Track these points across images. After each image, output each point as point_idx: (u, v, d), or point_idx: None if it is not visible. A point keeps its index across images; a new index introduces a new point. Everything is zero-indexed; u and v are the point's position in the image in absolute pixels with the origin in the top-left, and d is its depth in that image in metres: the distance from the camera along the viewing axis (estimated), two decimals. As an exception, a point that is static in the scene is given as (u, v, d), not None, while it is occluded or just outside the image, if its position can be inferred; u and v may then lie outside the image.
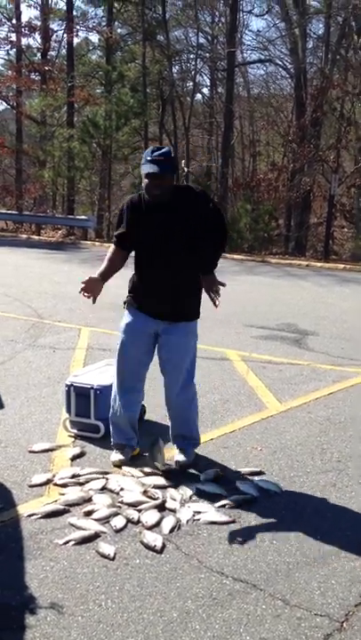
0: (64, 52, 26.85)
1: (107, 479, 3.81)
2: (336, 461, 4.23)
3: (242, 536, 3.29)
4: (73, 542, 3.18)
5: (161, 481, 3.80)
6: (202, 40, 26.10)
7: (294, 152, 19.66)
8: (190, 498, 3.65)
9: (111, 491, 3.70)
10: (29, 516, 3.40)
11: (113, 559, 3.05)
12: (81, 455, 4.19)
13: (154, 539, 3.19)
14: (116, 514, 3.43)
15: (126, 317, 4.04)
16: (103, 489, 3.71)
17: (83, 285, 3.98)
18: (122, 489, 3.69)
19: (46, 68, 25.35)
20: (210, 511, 3.50)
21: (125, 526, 3.33)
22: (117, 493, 3.66)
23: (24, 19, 26.16)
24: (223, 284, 3.91)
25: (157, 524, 3.35)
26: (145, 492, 3.65)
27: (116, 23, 27.17)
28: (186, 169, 23.36)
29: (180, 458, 4.06)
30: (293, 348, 7.21)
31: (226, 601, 2.78)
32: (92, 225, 21.43)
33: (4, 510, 3.46)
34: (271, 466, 4.12)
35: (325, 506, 3.63)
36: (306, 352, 7.07)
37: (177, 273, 3.88)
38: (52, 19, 26.77)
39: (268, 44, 23.94)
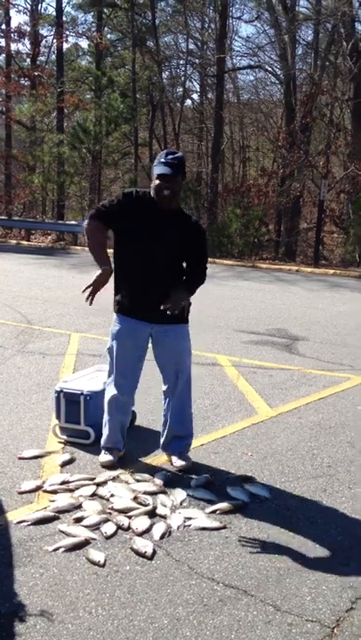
0: (54, 57, 26.91)
1: (97, 485, 3.79)
2: (327, 467, 4.23)
3: (232, 542, 3.28)
4: (63, 549, 3.16)
5: (151, 487, 3.79)
6: (191, 46, 26.25)
7: (284, 158, 19.74)
8: (181, 504, 3.63)
9: (101, 497, 3.68)
10: (19, 522, 3.38)
11: (103, 566, 3.03)
12: (71, 461, 4.17)
13: (144, 545, 3.18)
14: (106, 520, 3.41)
15: (116, 322, 4.05)
16: (93, 495, 3.70)
17: (96, 285, 3.83)
18: (112, 495, 3.67)
19: (36, 74, 25.35)
20: (200, 517, 3.49)
21: (116, 533, 3.32)
22: (107, 500, 3.64)
23: (13, 24, 26.21)
24: (183, 306, 3.88)
25: (148, 530, 3.34)
26: (135, 499, 3.64)
27: (106, 29, 27.27)
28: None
29: (181, 462, 4.10)
30: (284, 354, 7.21)
31: (217, 607, 2.77)
32: (82, 230, 21.33)
33: (-6, 517, 3.43)
34: (262, 471, 4.11)
35: (316, 511, 3.63)
36: (296, 357, 7.08)
37: (165, 274, 3.92)
38: (42, 24, 26.82)
39: (257, 51, 24.08)
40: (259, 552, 3.20)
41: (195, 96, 29.97)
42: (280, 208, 20.07)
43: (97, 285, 3.84)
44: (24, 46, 27.37)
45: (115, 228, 3.95)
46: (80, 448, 4.38)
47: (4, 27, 26.60)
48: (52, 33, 26.18)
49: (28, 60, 27.31)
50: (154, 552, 3.14)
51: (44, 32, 27.28)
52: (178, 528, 3.38)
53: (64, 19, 25.55)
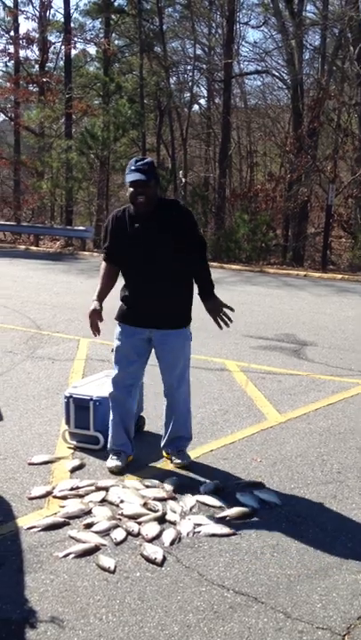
0: (62, 63, 27.00)
1: (106, 491, 3.79)
2: (336, 473, 4.22)
3: (242, 549, 3.28)
4: (73, 555, 3.16)
5: (161, 493, 3.79)
6: (199, 51, 26.25)
7: (291, 162, 19.73)
8: (190, 510, 3.64)
9: (111, 503, 3.69)
10: (29, 528, 3.39)
11: (113, 572, 3.04)
12: (80, 467, 4.18)
13: (154, 551, 3.18)
14: (116, 526, 3.42)
15: (118, 329, 4.17)
16: (103, 501, 3.70)
17: (91, 325, 4.13)
18: (122, 501, 3.68)
19: (44, 80, 25.47)
20: (210, 523, 3.49)
21: (125, 539, 3.32)
22: (117, 505, 3.65)
23: (22, 31, 26.33)
24: (232, 309, 4.02)
25: (158, 536, 3.34)
26: (145, 505, 3.64)
27: (114, 35, 27.35)
28: (183, 179, 23.44)
29: (178, 460, 4.21)
30: (292, 359, 7.21)
31: (227, 614, 2.76)
32: (90, 235, 21.44)
33: (4, 523, 3.45)
34: (271, 477, 4.11)
35: (326, 518, 3.62)
36: (305, 362, 7.07)
37: (164, 282, 3.99)
38: (50, 31, 26.94)
39: (264, 56, 24.07)
40: (269, 559, 3.20)
41: (202, 101, 30.02)
42: (288, 213, 20.06)
43: (91, 322, 4.12)
44: (32, 53, 27.55)
45: (115, 252, 4.12)
46: (90, 453, 4.39)
47: (12, 33, 26.76)
48: (61, 39, 26.31)
49: (37, 66, 27.45)
50: (164, 558, 3.15)
51: (52, 38, 27.43)
52: (188, 534, 3.38)
53: (72, 25, 25.65)
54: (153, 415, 4.87)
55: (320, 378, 6.44)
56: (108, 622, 2.70)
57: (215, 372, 6.50)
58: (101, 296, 4.16)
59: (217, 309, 4.01)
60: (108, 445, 4.26)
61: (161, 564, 3.11)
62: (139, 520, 3.48)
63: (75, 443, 4.52)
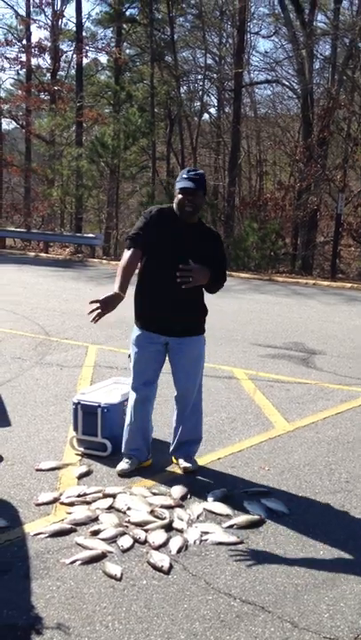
0: (73, 72, 27.21)
1: (114, 498, 3.79)
2: (345, 482, 4.20)
3: (250, 557, 3.26)
4: (79, 562, 3.16)
5: (168, 501, 3.78)
6: (209, 61, 26.40)
7: (301, 171, 19.74)
8: (198, 518, 3.62)
9: (118, 510, 3.68)
10: (36, 534, 3.38)
11: (120, 579, 3.03)
12: (88, 474, 4.18)
13: (161, 559, 3.17)
14: (122, 533, 3.41)
15: (135, 334, 4.19)
16: (110, 508, 3.70)
17: (97, 303, 3.82)
18: (129, 508, 3.67)
19: (55, 88, 25.66)
20: (217, 532, 3.47)
21: (132, 546, 3.31)
22: (124, 513, 3.64)
23: (34, 39, 26.63)
24: (191, 281, 3.91)
25: (165, 544, 3.33)
26: (152, 512, 3.63)
27: (125, 44, 27.55)
28: (193, 188, 23.46)
29: (187, 464, 4.23)
30: (301, 367, 7.19)
31: (234, 623, 2.75)
32: (100, 243, 21.52)
33: (11, 529, 3.44)
34: (279, 486, 4.09)
35: (334, 527, 3.60)
36: (313, 371, 7.05)
37: (189, 291, 3.99)
38: (62, 39, 27.16)
39: (275, 65, 24.16)
40: (276, 568, 3.18)
41: (212, 110, 30.14)
42: (297, 222, 20.05)
43: (105, 307, 3.82)
44: (44, 61, 27.65)
45: (144, 247, 4.03)
46: (97, 460, 4.39)
47: (25, 42, 26.99)
48: (72, 48, 26.52)
49: (48, 74, 27.67)
50: (170, 566, 3.13)
51: (64, 47, 27.67)
52: (195, 542, 3.37)
53: (84, 34, 25.89)
54: (160, 422, 4.86)
55: (328, 387, 6.42)
56: (115, 630, 2.69)
57: (223, 379, 6.49)
58: (124, 285, 3.90)
59: (195, 275, 3.89)
60: (122, 449, 4.29)
61: (168, 572, 3.09)
62: (146, 527, 3.47)
63: (82, 449, 4.52)
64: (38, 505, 3.72)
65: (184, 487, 3.96)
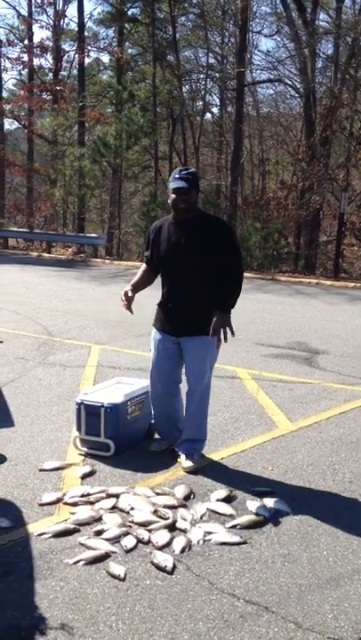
0: (75, 72, 27.17)
1: (117, 498, 3.79)
2: (348, 482, 4.20)
3: (253, 557, 3.26)
4: (83, 562, 3.16)
5: (171, 501, 3.78)
6: (212, 60, 26.35)
7: (304, 171, 19.71)
8: (201, 518, 3.62)
9: (121, 510, 3.68)
10: (39, 535, 3.39)
11: (123, 580, 3.03)
12: (91, 474, 4.18)
13: (165, 559, 3.17)
14: (126, 533, 3.41)
15: (152, 333, 4.47)
16: (113, 508, 3.70)
17: (124, 302, 4.33)
18: (132, 508, 3.67)
19: (58, 88, 25.68)
20: (221, 532, 3.47)
21: (136, 546, 3.31)
22: (128, 513, 3.64)
23: (36, 39, 26.63)
24: (232, 333, 4.13)
25: (168, 544, 3.33)
26: (155, 512, 3.63)
27: (127, 44, 27.51)
28: (196, 187, 23.44)
29: (188, 463, 4.27)
30: (304, 367, 7.18)
31: (238, 623, 2.75)
32: (103, 242, 21.53)
33: (15, 529, 3.45)
34: (282, 486, 4.09)
35: (338, 527, 3.60)
36: (316, 371, 7.04)
37: (194, 291, 4.17)
38: (64, 39, 27.15)
39: (277, 64, 24.12)
40: (280, 568, 3.18)
41: (215, 110, 30.12)
42: (300, 221, 20.02)
43: (125, 302, 4.33)
44: (46, 61, 27.68)
45: (151, 263, 4.41)
46: (100, 460, 4.39)
47: (27, 42, 27.00)
48: (74, 48, 26.49)
49: (51, 74, 27.67)
50: (174, 566, 3.13)
51: (66, 47, 27.66)
52: (198, 542, 3.37)
53: (86, 34, 25.83)
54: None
55: (332, 386, 6.41)
56: (118, 630, 2.69)
57: (226, 379, 6.48)
58: (136, 287, 4.39)
59: (223, 323, 4.09)
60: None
61: (171, 572, 3.09)
62: (149, 527, 3.47)
63: (85, 449, 4.52)
64: (42, 505, 3.73)
65: (187, 487, 3.97)
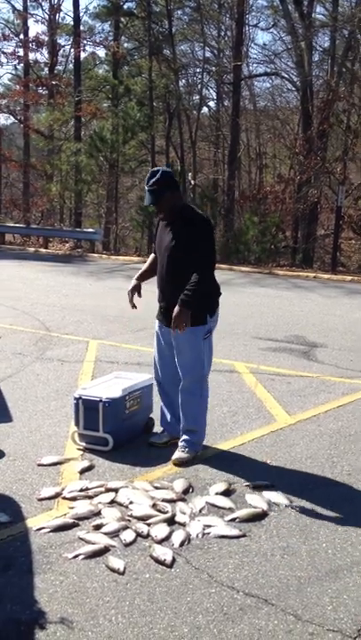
0: (71, 66, 27.07)
1: (116, 492, 3.79)
2: (347, 474, 4.20)
3: (252, 550, 3.26)
4: (82, 556, 3.16)
5: (170, 494, 3.78)
6: (208, 54, 26.25)
7: (301, 164, 19.68)
8: (200, 511, 3.63)
9: (120, 504, 3.68)
10: (38, 529, 3.39)
11: (123, 573, 3.03)
12: (90, 468, 4.18)
13: (164, 553, 3.17)
14: (125, 527, 3.41)
15: (155, 324, 4.59)
16: (112, 502, 3.70)
17: (129, 301, 4.54)
18: (131, 502, 3.67)
19: (53, 83, 25.55)
20: (220, 525, 3.48)
21: (135, 540, 3.31)
22: (126, 507, 3.64)
23: (31, 34, 26.39)
24: (181, 329, 4.14)
25: (167, 537, 3.33)
26: (154, 506, 3.63)
27: (123, 38, 27.38)
28: (193, 182, 23.44)
29: (176, 455, 4.31)
30: (302, 360, 7.18)
31: (237, 616, 2.75)
32: (100, 237, 21.48)
33: (14, 524, 3.45)
34: (281, 479, 4.09)
35: (337, 520, 3.60)
36: (314, 364, 7.04)
37: (173, 281, 4.27)
38: (60, 34, 27.02)
39: (273, 58, 24.06)
40: (279, 560, 3.18)
41: (211, 103, 30.07)
42: (297, 215, 20.00)
43: (129, 298, 4.55)
44: (42, 56, 27.49)
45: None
46: (99, 455, 4.39)
47: (22, 36, 26.87)
48: (70, 42, 26.36)
49: (46, 69, 27.54)
50: (173, 560, 3.14)
51: (61, 41, 27.50)
52: (197, 536, 3.37)
53: (81, 28, 25.69)
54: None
55: (330, 379, 6.42)
56: (118, 623, 2.69)
57: (224, 373, 6.48)
58: (141, 276, 4.58)
59: (177, 317, 4.12)
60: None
61: (170, 566, 3.10)
62: (148, 521, 3.47)
63: (84, 444, 4.52)
64: (40, 500, 3.73)
65: (186, 481, 3.97)
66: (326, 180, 19.92)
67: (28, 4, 26.63)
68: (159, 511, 3.58)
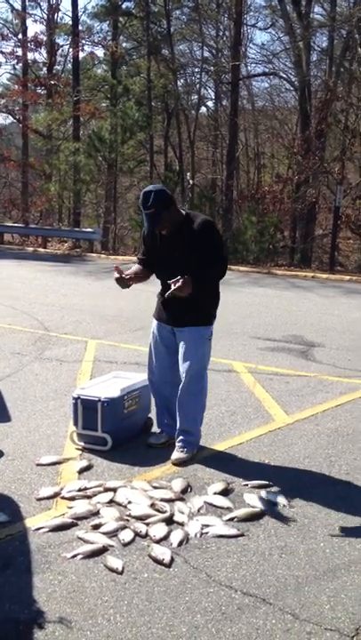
0: (70, 66, 27.06)
1: (114, 492, 3.80)
2: (345, 474, 4.21)
3: (250, 550, 3.27)
4: (81, 556, 3.17)
5: (169, 494, 3.79)
6: (206, 54, 26.27)
7: (299, 164, 19.71)
8: (198, 511, 3.63)
9: (119, 504, 3.69)
10: (37, 529, 3.39)
11: (121, 573, 3.04)
12: (88, 468, 4.19)
13: (162, 552, 3.18)
14: (123, 527, 3.42)
15: (152, 323, 4.58)
16: (111, 502, 3.71)
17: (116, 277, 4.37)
18: (129, 502, 3.68)
19: (52, 83, 25.53)
20: (218, 524, 3.48)
21: (133, 540, 3.32)
22: (125, 506, 3.65)
23: (30, 33, 26.37)
24: (172, 294, 4.08)
25: (165, 537, 3.34)
26: (153, 505, 3.64)
27: (122, 37, 27.39)
28: (191, 181, 23.44)
29: (175, 455, 4.31)
30: (300, 360, 7.19)
31: (235, 615, 2.76)
32: (98, 237, 21.47)
33: (12, 523, 3.45)
34: (279, 478, 4.10)
35: (334, 519, 3.61)
36: (313, 364, 7.05)
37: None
38: (58, 33, 27.01)
39: (272, 58, 24.07)
40: (277, 560, 3.19)
41: (210, 103, 30.01)
42: (295, 214, 20.03)
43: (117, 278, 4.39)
44: (40, 55, 27.47)
45: (143, 262, 4.49)
46: (97, 455, 4.39)
47: (20, 36, 26.85)
48: (69, 42, 26.36)
49: (45, 68, 27.53)
50: (172, 559, 3.15)
51: (60, 41, 27.51)
52: (195, 535, 3.38)
53: (80, 28, 25.67)
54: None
55: (328, 379, 6.43)
56: (116, 623, 2.70)
57: (223, 373, 6.49)
58: (134, 274, 4.42)
59: (182, 285, 4.02)
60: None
61: (169, 565, 3.10)
62: (146, 521, 3.48)
63: (82, 444, 4.53)
64: (39, 499, 3.73)
65: (184, 480, 3.98)
66: (324, 180, 19.95)
67: (27, 3, 26.66)
68: (158, 511, 3.59)
